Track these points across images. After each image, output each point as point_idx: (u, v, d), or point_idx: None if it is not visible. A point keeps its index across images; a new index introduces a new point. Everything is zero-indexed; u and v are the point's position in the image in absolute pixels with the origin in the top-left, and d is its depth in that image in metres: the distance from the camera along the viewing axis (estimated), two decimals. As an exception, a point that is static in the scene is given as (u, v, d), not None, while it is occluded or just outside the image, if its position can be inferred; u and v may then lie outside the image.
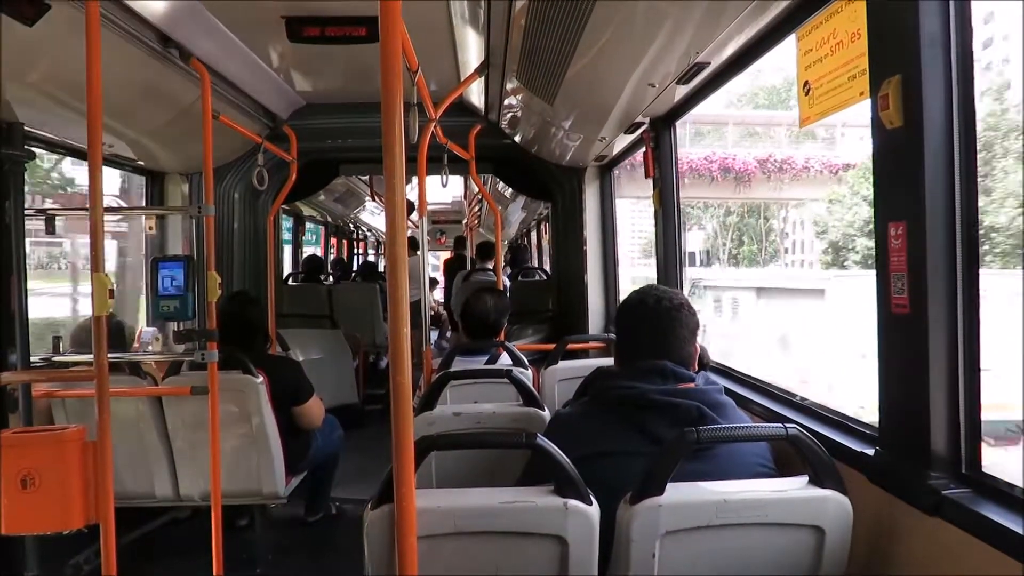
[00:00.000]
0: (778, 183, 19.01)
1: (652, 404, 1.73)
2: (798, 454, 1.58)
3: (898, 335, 1.57)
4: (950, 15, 1.46)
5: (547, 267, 8.16)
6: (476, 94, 4.20)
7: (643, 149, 3.62)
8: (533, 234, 11.28)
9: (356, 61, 3.71)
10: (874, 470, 1.65)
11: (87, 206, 2.10)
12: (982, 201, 1.49)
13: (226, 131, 3.44)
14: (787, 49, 2.19)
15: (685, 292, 3.15)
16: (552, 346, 3.53)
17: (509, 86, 3.66)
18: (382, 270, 9.03)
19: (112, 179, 4.76)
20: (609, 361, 2.69)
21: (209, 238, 2.88)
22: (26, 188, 2.89)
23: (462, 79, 3.64)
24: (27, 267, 2.87)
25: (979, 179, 1.48)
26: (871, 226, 1.78)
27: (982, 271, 1.47)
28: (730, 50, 2.40)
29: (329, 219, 10.71)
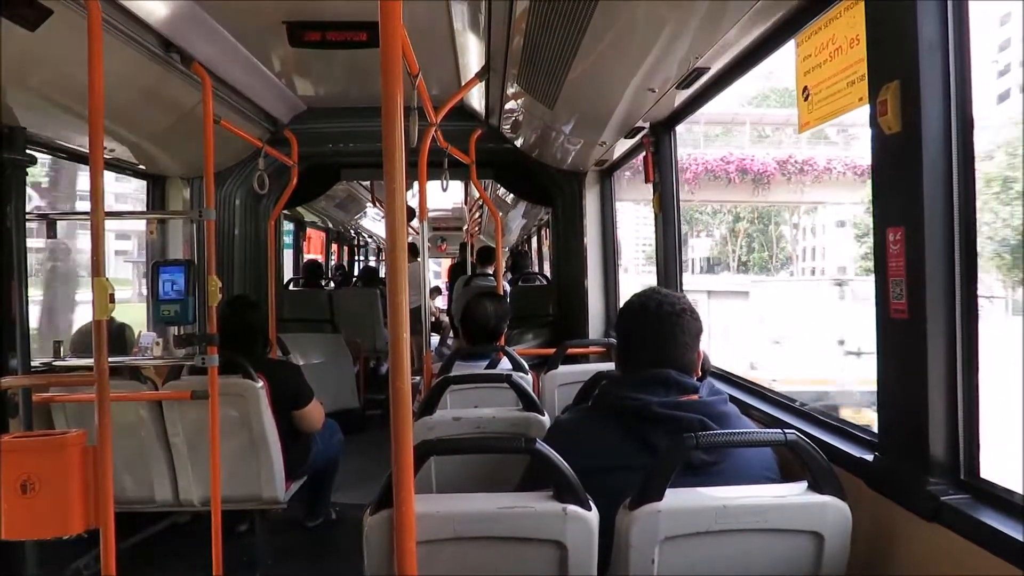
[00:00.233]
0: (799, 185, 18.05)
1: (654, 417, 1.70)
2: (797, 460, 1.58)
3: (897, 340, 1.57)
4: (948, 21, 1.46)
5: (547, 273, 8.16)
6: (477, 98, 4.21)
7: (643, 153, 3.62)
8: (534, 240, 11.28)
9: (357, 65, 3.72)
10: (873, 476, 1.65)
11: (88, 210, 2.10)
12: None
13: (227, 135, 3.45)
14: (786, 54, 2.20)
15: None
16: (552, 351, 3.53)
17: (510, 90, 3.67)
18: (383, 276, 9.03)
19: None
20: (609, 366, 2.70)
21: (210, 242, 2.89)
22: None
23: (463, 83, 3.65)
24: (27, 271, 2.87)
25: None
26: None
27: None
28: (730, 55, 2.41)
29: (330, 225, 10.72)
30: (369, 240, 13.90)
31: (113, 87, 2.16)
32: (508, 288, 6.82)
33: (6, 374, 2.72)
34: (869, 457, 1.69)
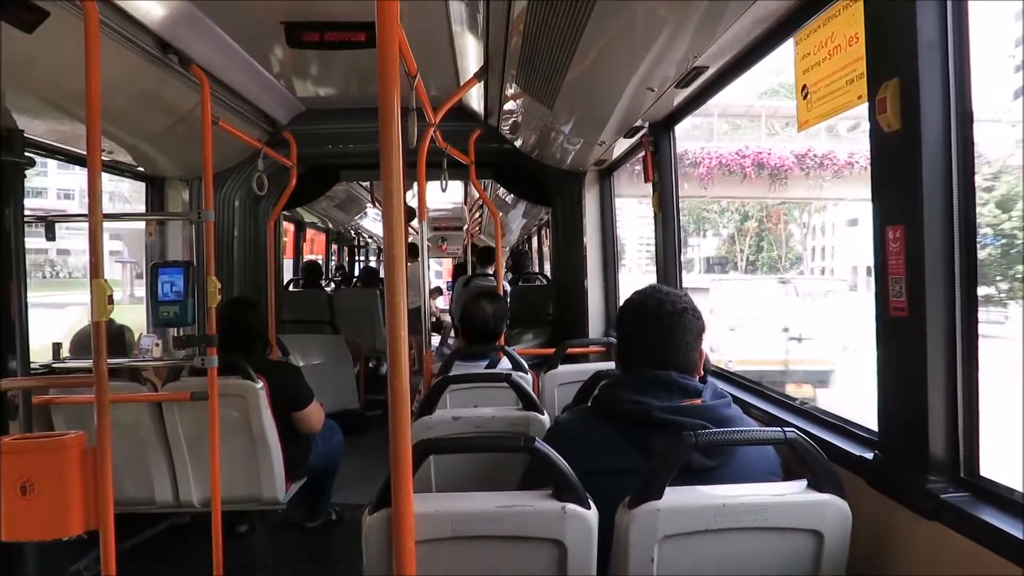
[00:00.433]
0: (818, 180, 16.68)
1: (655, 422, 1.68)
2: (797, 458, 1.58)
3: (896, 338, 1.57)
4: (947, 19, 1.46)
5: (547, 272, 8.16)
6: (475, 99, 4.21)
7: (643, 153, 3.62)
8: (534, 240, 11.29)
9: (356, 66, 3.72)
10: (873, 474, 1.64)
11: (86, 212, 2.10)
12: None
13: (226, 137, 3.45)
14: (785, 53, 2.20)
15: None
16: (552, 350, 3.53)
17: (508, 91, 3.67)
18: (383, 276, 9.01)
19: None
20: (609, 365, 2.69)
21: (209, 244, 2.89)
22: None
23: (461, 84, 3.65)
24: (26, 272, 2.87)
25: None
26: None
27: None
28: (728, 54, 2.41)
29: (330, 225, 10.72)
30: (370, 240, 13.90)
31: (111, 89, 2.17)
32: (508, 288, 6.82)
33: (6, 376, 2.72)
34: (869, 455, 1.69)
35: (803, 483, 1.57)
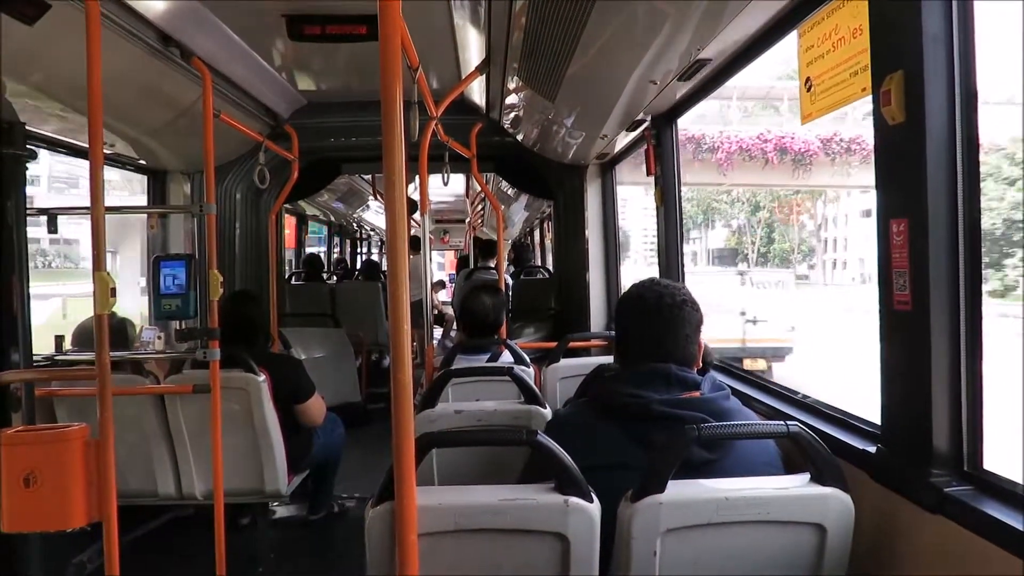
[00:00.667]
0: (844, 166, 15.29)
1: (654, 416, 1.68)
2: (800, 451, 1.58)
3: (900, 332, 1.57)
4: (952, 10, 1.45)
5: (550, 265, 8.16)
6: (477, 92, 4.20)
7: (645, 147, 3.61)
8: (536, 232, 11.27)
9: (357, 59, 3.71)
10: (876, 467, 1.64)
11: (88, 205, 2.10)
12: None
13: (227, 130, 3.45)
14: (789, 45, 2.19)
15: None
16: (554, 344, 3.53)
17: (510, 84, 3.66)
18: (385, 269, 9.04)
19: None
20: (611, 359, 2.69)
21: (211, 237, 2.88)
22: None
23: (463, 77, 3.64)
24: (28, 265, 2.87)
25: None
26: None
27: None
28: (732, 47, 2.40)
29: (332, 218, 10.72)
30: (372, 233, 13.89)
31: (112, 82, 2.16)
32: (510, 281, 6.82)
33: (8, 368, 2.73)
34: (872, 449, 1.69)
35: (806, 476, 1.57)
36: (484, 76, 3.69)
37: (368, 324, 6.97)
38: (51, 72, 2.63)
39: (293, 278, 8.32)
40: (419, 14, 3.00)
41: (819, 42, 1.98)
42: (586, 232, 4.98)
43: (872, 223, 1.62)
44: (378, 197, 9.13)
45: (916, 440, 1.52)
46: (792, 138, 15.01)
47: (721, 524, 1.50)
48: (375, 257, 14.16)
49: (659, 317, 1.80)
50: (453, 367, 3.00)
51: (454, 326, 9.80)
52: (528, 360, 3.26)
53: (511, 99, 3.96)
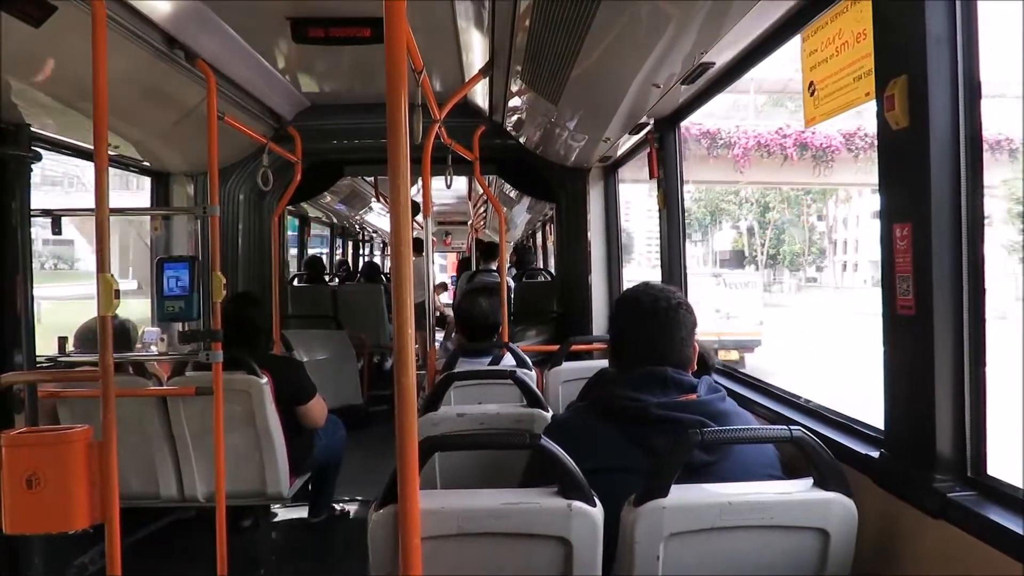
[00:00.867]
0: (867, 163, 14.39)
1: (652, 419, 1.69)
2: (803, 456, 1.58)
3: (903, 337, 1.57)
4: (956, 15, 1.45)
5: (552, 268, 8.15)
6: (481, 95, 4.20)
7: (648, 150, 3.61)
8: (539, 235, 11.27)
9: (361, 62, 3.71)
10: (879, 472, 1.64)
11: (93, 207, 2.11)
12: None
13: (231, 132, 3.45)
14: (792, 49, 2.19)
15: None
16: (556, 347, 3.53)
17: (513, 87, 3.66)
18: (387, 271, 9.05)
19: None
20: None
21: (214, 239, 2.89)
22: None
23: (466, 80, 3.64)
24: (32, 267, 2.88)
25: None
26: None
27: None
28: (735, 50, 2.40)
29: (335, 220, 10.73)
30: (374, 235, 13.90)
31: (117, 84, 2.16)
32: (512, 284, 6.82)
33: (12, 370, 2.73)
34: (875, 454, 1.69)
35: (809, 481, 1.57)
36: (487, 79, 3.69)
37: (370, 326, 6.97)
38: (56, 74, 2.64)
39: (295, 280, 8.33)
40: (423, 17, 3.00)
41: (823, 46, 1.98)
42: (588, 235, 4.99)
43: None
44: (381, 199, 9.14)
45: (919, 445, 1.52)
46: (813, 133, 13.92)
47: (724, 529, 1.50)
48: (377, 259, 14.16)
49: (655, 320, 1.81)
50: (455, 370, 3.00)
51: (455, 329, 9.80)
52: (530, 363, 3.26)
53: (514, 102, 3.96)
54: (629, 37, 2.39)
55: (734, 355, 12.41)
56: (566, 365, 3.22)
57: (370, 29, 3.03)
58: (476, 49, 3.40)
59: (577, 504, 1.47)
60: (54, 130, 3.26)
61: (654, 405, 1.70)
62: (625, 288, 4.87)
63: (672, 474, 1.49)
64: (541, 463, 1.59)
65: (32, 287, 2.85)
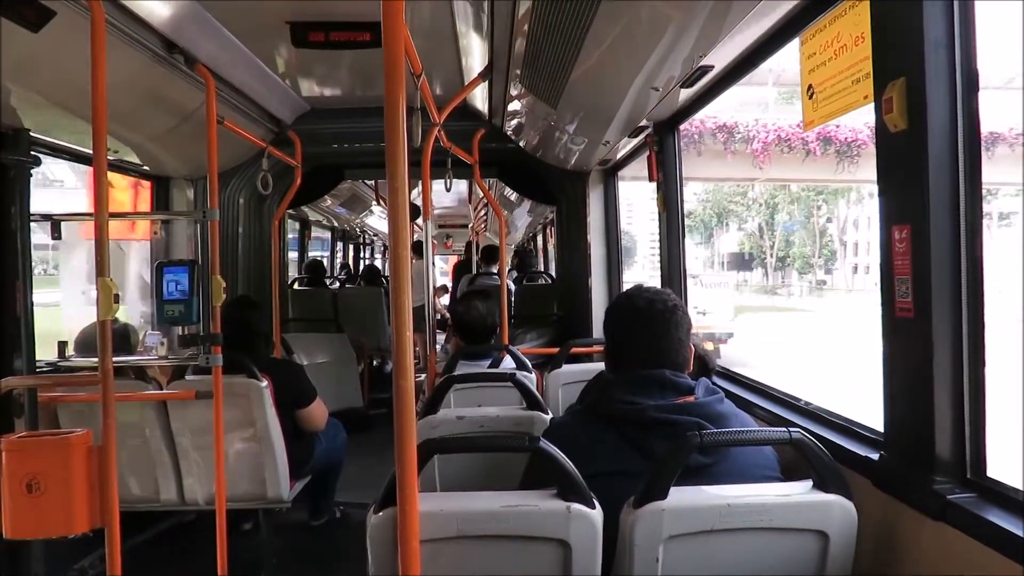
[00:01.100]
0: None
1: (650, 422, 1.69)
2: (802, 458, 1.58)
3: (902, 339, 1.57)
4: (954, 18, 1.45)
5: (552, 271, 8.15)
6: (480, 99, 4.20)
7: (647, 153, 3.61)
8: (539, 238, 11.27)
9: (361, 66, 3.72)
10: (879, 475, 1.64)
11: (92, 211, 2.11)
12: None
13: (231, 136, 3.46)
14: (791, 52, 2.19)
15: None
16: (556, 350, 3.53)
17: (513, 90, 3.66)
18: (387, 274, 9.05)
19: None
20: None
21: (214, 242, 2.89)
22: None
23: (466, 84, 3.65)
24: (32, 271, 2.88)
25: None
26: None
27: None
28: (734, 53, 2.40)
29: (335, 224, 10.73)
30: (375, 238, 13.91)
31: (117, 88, 2.17)
32: (512, 287, 6.82)
33: (11, 374, 2.73)
34: (874, 456, 1.69)
35: (808, 483, 1.57)
36: (487, 82, 3.70)
37: (370, 329, 6.97)
38: (56, 79, 2.64)
39: (296, 283, 8.33)
40: (422, 21, 3.01)
41: (821, 49, 1.98)
42: (589, 238, 4.99)
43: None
44: (381, 202, 9.15)
45: (919, 447, 1.52)
46: (837, 127, 12.88)
47: (724, 531, 1.50)
48: (378, 262, 14.16)
49: (652, 323, 1.81)
50: (455, 373, 3.00)
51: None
52: (530, 366, 3.26)
53: (513, 105, 3.97)
54: (628, 41, 2.40)
55: (709, 346, 13.19)
56: (566, 368, 3.22)
57: (370, 33, 3.04)
58: (475, 53, 3.40)
59: (576, 506, 1.47)
60: (54, 135, 3.26)
61: (652, 408, 1.70)
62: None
63: (671, 477, 1.49)
64: (540, 466, 1.59)
65: (32, 292, 2.86)
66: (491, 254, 7.52)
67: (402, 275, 1.42)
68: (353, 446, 4.13)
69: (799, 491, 1.56)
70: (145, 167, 4.26)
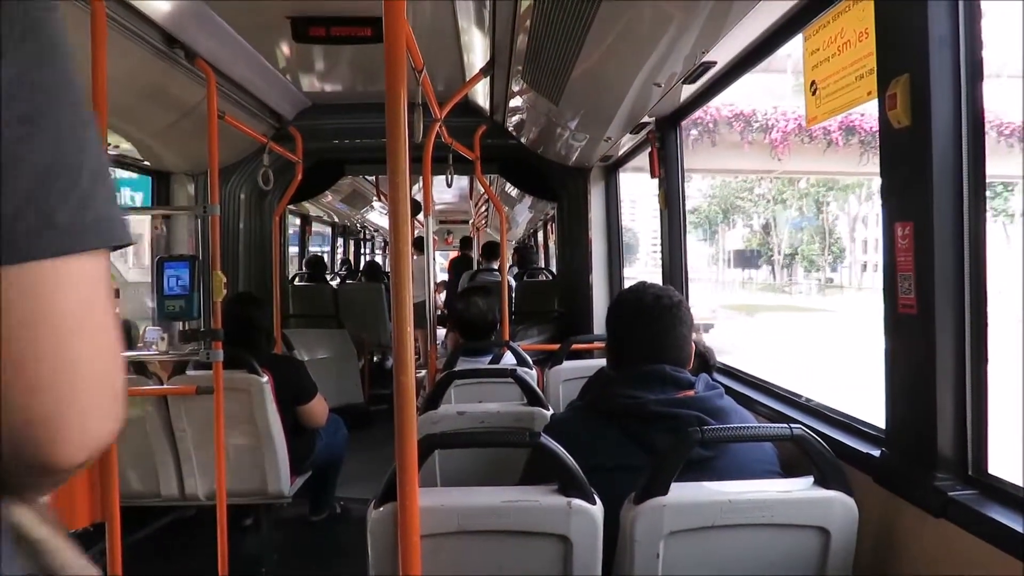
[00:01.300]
0: None
1: (651, 415, 1.69)
2: (803, 455, 1.57)
3: (905, 336, 1.56)
4: (959, 14, 1.45)
5: (553, 267, 8.15)
6: (481, 95, 4.20)
7: (649, 149, 3.61)
8: (540, 234, 11.26)
9: (362, 61, 3.71)
10: (880, 471, 1.64)
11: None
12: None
13: (232, 131, 3.45)
14: (795, 48, 2.19)
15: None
16: (557, 346, 3.53)
17: (514, 86, 3.66)
18: (388, 270, 9.04)
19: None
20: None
21: (214, 238, 2.89)
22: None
23: (467, 79, 3.64)
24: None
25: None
26: None
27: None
28: (737, 49, 2.39)
29: (336, 219, 10.73)
30: (375, 234, 13.90)
31: (117, 83, 2.16)
32: (513, 283, 6.82)
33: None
34: (876, 452, 1.69)
35: (809, 480, 1.57)
36: (488, 78, 3.69)
37: (371, 325, 6.97)
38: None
39: (296, 279, 8.33)
40: (424, 16, 3.00)
41: (824, 45, 1.97)
42: (590, 234, 4.98)
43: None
44: (382, 198, 9.14)
45: (920, 444, 1.51)
46: (863, 115, 11.89)
47: (725, 527, 1.50)
48: (378, 258, 14.16)
49: (655, 319, 1.82)
50: (456, 369, 3.00)
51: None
52: (531, 362, 3.26)
53: (515, 101, 3.96)
54: (630, 36, 2.39)
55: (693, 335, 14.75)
56: (566, 364, 3.22)
57: (371, 28, 3.03)
58: (477, 48, 3.39)
59: (577, 502, 1.48)
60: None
61: (652, 402, 1.71)
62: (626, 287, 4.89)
63: (672, 473, 1.49)
64: (540, 461, 1.60)
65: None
66: (492, 250, 7.52)
67: (403, 271, 1.42)
68: (354, 442, 4.13)
69: (800, 487, 1.56)
70: (146, 162, 4.25)
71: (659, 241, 3.74)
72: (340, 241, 11.59)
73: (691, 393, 1.76)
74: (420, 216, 4.50)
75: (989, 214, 1.46)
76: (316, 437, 3.62)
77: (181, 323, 3.56)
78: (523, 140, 4.69)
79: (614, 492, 1.54)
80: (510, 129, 4.57)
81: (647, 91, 2.89)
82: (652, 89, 2.85)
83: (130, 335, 4.06)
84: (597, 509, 1.49)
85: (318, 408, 3.53)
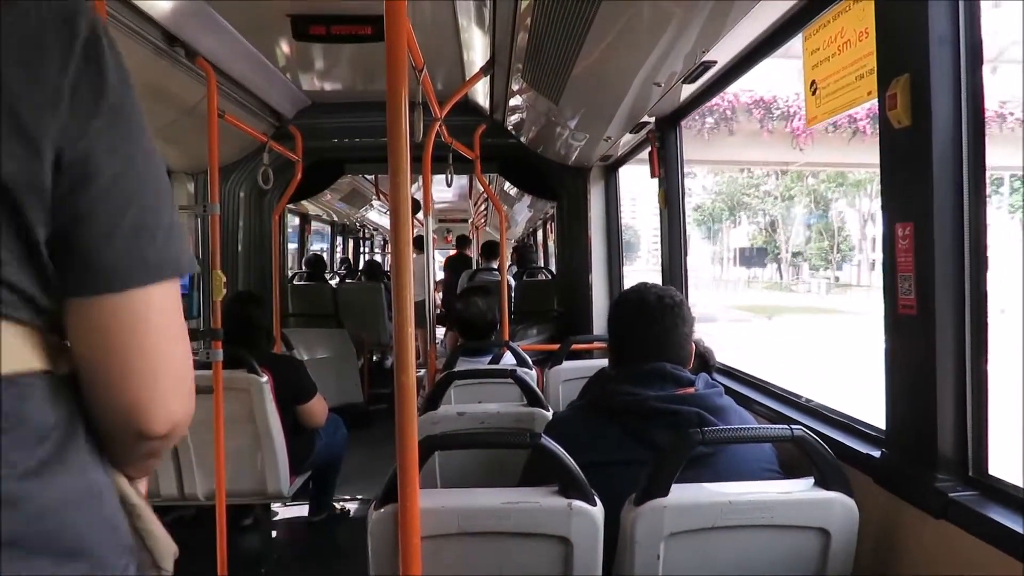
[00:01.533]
0: None
1: (651, 412, 1.71)
2: (804, 456, 1.57)
3: (905, 336, 1.56)
4: (959, 14, 1.45)
5: (552, 267, 8.14)
6: (481, 94, 4.19)
7: (649, 149, 3.61)
8: (539, 233, 11.26)
9: (362, 60, 3.71)
10: (880, 472, 1.64)
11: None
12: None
13: (232, 130, 3.45)
14: (795, 47, 2.18)
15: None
16: (557, 346, 3.53)
17: (514, 86, 3.65)
18: (388, 269, 9.03)
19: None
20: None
21: (214, 237, 2.88)
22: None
23: (467, 78, 3.64)
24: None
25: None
26: None
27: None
28: (737, 48, 2.39)
29: (336, 218, 10.72)
30: (375, 233, 13.90)
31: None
32: (513, 283, 6.81)
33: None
34: (876, 453, 1.69)
35: (810, 481, 1.57)
36: (488, 78, 3.69)
37: (370, 325, 6.97)
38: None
39: (296, 278, 8.32)
40: (424, 15, 3.00)
41: (825, 45, 1.97)
42: (589, 234, 4.98)
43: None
44: (381, 197, 9.14)
45: (921, 445, 1.51)
46: None
47: (725, 528, 1.50)
48: (378, 257, 14.15)
49: (656, 319, 1.83)
50: (455, 369, 3.00)
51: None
52: (531, 362, 3.26)
53: (515, 101, 3.96)
54: (630, 36, 2.39)
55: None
56: (566, 364, 3.22)
57: (371, 27, 3.03)
58: (477, 47, 3.39)
59: (577, 503, 1.47)
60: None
61: (652, 398, 1.72)
62: (626, 288, 4.89)
63: (673, 473, 1.49)
64: (541, 462, 1.59)
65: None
66: (491, 250, 7.51)
67: (404, 271, 1.42)
68: (353, 442, 4.12)
69: (800, 488, 1.56)
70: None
71: (659, 239, 3.74)
72: (339, 240, 11.59)
73: (691, 390, 1.77)
74: (420, 215, 4.49)
75: (1006, 209, 1.45)
76: (316, 437, 3.62)
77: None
78: (523, 139, 4.69)
79: (614, 490, 1.54)
80: (510, 128, 4.56)
81: (647, 90, 2.89)
82: (652, 88, 2.85)
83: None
84: (597, 510, 1.49)
85: (317, 408, 3.53)
